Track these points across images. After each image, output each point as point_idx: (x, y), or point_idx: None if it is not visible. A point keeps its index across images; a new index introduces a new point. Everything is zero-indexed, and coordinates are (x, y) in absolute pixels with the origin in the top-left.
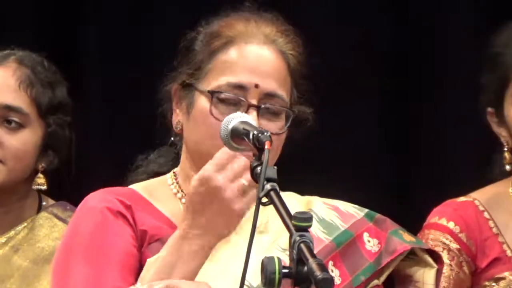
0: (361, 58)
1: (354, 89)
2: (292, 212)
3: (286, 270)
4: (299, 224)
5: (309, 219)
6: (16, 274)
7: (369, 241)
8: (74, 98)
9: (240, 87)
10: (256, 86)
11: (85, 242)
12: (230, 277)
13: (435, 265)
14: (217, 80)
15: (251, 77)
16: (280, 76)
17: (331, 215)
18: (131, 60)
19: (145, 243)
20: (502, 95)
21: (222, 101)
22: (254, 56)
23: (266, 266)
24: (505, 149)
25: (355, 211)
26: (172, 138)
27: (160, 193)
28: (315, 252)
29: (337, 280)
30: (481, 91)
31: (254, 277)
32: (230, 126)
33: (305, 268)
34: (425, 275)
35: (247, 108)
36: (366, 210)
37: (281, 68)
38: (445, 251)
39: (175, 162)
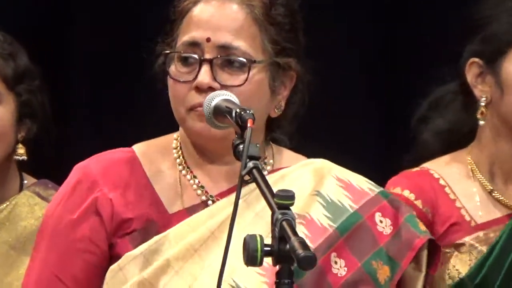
0: None
1: None
2: (300, 195)
3: (268, 248)
4: (281, 202)
5: (291, 197)
6: None
7: (381, 222)
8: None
9: (194, 44)
10: (208, 40)
11: (51, 231)
12: (214, 276)
13: (424, 269)
14: (179, 41)
15: (203, 32)
16: (237, 26)
17: (341, 195)
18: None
19: (124, 231)
20: (504, 50)
21: (182, 61)
22: (207, 12)
23: (248, 244)
24: (482, 103)
25: (369, 188)
26: None
27: (161, 162)
28: (317, 243)
29: (342, 272)
30: (471, 38)
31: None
32: (212, 104)
33: (287, 246)
34: (414, 278)
35: (200, 63)
36: (381, 187)
37: (239, 18)
38: None
39: None
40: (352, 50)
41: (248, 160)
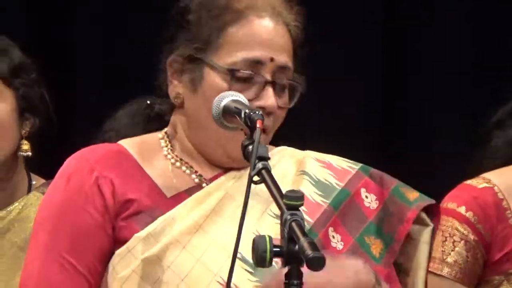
0: None
1: None
2: (287, 176)
3: (277, 249)
4: (290, 203)
5: (300, 197)
6: (8, 254)
7: (366, 197)
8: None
9: (256, 63)
10: (272, 60)
11: (52, 217)
12: (221, 249)
13: (430, 223)
14: (231, 56)
15: (267, 51)
16: (289, 48)
17: (325, 174)
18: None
19: (127, 212)
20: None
21: (238, 78)
22: (266, 30)
23: (257, 245)
24: None
25: (349, 166)
26: (148, 102)
27: (151, 153)
28: (315, 218)
29: (339, 246)
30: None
31: (246, 248)
32: (222, 104)
33: (296, 246)
34: (421, 233)
35: (264, 84)
36: (360, 164)
37: (288, 40)
38: (462, 242)
39: (148, 124)
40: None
41: (257, 161)
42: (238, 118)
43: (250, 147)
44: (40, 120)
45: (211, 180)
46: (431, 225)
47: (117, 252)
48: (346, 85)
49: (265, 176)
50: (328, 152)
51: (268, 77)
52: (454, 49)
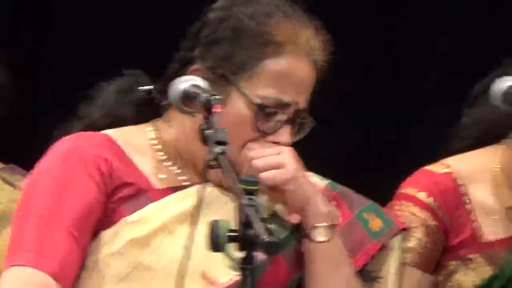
0: None
1: None
2: None
3: (233, 234)
4: (246, 187)
5: (256, 182)
6: None
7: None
8: None
9: (285, 105)
10: (296, 103)
11: (53, 190)
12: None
13: (400, 232)
14: (263, 89)
15: (296, 96)
16: (312, 88)
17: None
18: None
19: (118, 196)
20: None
21: (264, 112)
22: (302, 73)
23: (213, 229)
24: None
25: (317, 180)
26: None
27: (138, 144)
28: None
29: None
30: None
31: None
32: (181, 88)
33: (252, 231)
34: (393, 240)
35: (284, 123)
36: (329, 180)
37: (314, 79)
38: (422, 227)
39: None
40: None
41: (215, 145)
42: (197, 102)
43: (208, 131)
44: (3, 107)
45: (199, 181)
46: (402, 233)
47: (104, 232)
48: None
49: (222, 161)
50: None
51: (290, 116)
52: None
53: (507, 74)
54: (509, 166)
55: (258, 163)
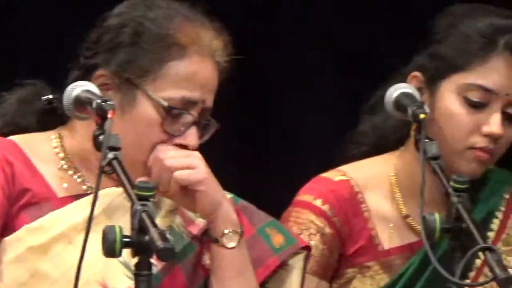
0: None
1: None
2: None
3: (128, 239)
4: (140, 193)
5: (151, 188)
6: None
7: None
8: None
9: (191, 104)
10: (203, 102)
11: None
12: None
13: (303, 250)
14: (170, 91)
15: (202, 94)
16: (216, 88)
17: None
18: None
19: (21, 203)
20: (445, 74)
21: (171, 114)
22: (206, 72)
23: (107, 235)
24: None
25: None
26: (50, 97)
27: (42, 151)
28: (192, 234)
29: None
30: (420, 50)
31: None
32: (73, 94)
33: (147, 237)
34: (294, 259)
35: (191, 124)
36: (232, 194)
37: (217, 80)
38: (318, 235)
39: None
40: None
41: (108, 151)
42: (89, 108)
43: (101, 137)
44: None
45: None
46: (304, 252)
47: (5, 239)
48: None
49: (116, 166)
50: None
51: (196, 117)
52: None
53: (400, 81)
54: (405, 174)
55: (172, 162)
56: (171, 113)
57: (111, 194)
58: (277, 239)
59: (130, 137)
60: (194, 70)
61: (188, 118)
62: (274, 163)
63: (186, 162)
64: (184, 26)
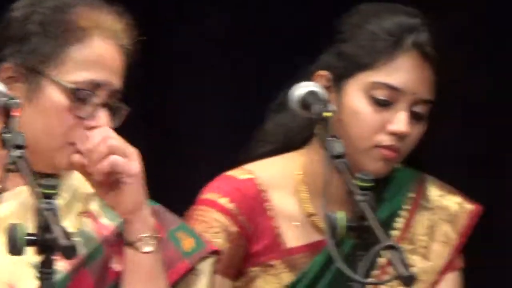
0: None
1: None
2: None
3: (31, 237)
4: (45, 191)
5: (54, 186)
6: None
7: None
8: None
9: (97, 85)
10: (109, 84)
11: None
12: None
13: (212, 255)
14: (74, 74)
15: (108, 75)
16: (123, 71)
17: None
18: None
19: None
20: (352, 73)
21: (78, 97)
22: (109, 54)
23: (10, 233)
24: None
25: None
26: None
27: None
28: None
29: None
30: (327, 48)
31: None
32: None
33: (50, 235)
34: (202, 263)
35: (99, 106)
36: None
37: (123, 63)
38: (223, 233)
39: None
40: None
41: (14, 149)
42: None
43: (7, 135)
44: None
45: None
46: (213, 257)
47: None
48: None
49: (21, 165)
50: None
51: (104, 99)
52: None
53: (306, 80)
54: (310, 173)
55: (116, 143)
56: (77, 95)
57: (23, 192)
58: (188, 243)
59: (41, 125)
60: (97, 52)
61: (95, 99)
62: (179, 156)
63: (128, 151)
64: (84, 11)
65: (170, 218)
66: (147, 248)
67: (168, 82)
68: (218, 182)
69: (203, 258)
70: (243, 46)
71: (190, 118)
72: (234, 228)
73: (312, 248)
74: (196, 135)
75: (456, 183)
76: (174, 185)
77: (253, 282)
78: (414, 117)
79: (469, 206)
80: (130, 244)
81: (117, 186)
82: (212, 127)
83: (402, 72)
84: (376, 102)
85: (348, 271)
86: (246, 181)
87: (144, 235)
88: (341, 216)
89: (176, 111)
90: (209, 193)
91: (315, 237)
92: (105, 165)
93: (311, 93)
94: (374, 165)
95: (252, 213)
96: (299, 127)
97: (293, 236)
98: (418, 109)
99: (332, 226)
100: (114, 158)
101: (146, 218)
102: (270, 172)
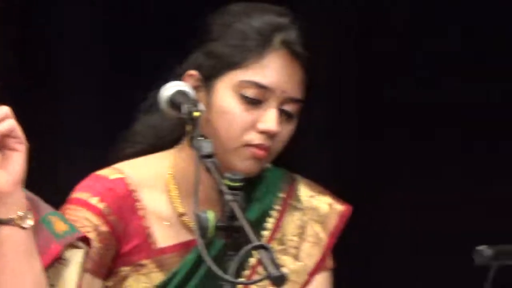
0: None
1: None
2: None
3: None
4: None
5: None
6: None
7: None
8: None
9: None
10: None
11: None
12: None
13: (84, 246)
14: None
15: None
16: None
17: None
18: None
19: None
20: (221, 72)
21: None
22: None
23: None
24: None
25: None
26: None
27: None
28: None
29: None
30: (196, 48)
31: None
32: None
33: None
34: (72, 255)
35: None
36: None
37: None
38: (94, 233)
39: None
40: None
41: None
42: None
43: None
44: None
45: None
46: (84, 248)
47: None
48: None
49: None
50: None
51: None
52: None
53: (174, 79)
54: (181, 172)
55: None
56: None
57: None
58: (60, 226)
59: None
60: None
61: None
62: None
63: (12, 122)
64: None
65: (43, 205)
66: (29, 222)
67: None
68: (88, 181)
69: (74, 246)
70: (114, 45)
71: (67, 115)
72: (104, 228)
73: (182, 247)
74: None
75: (327, 183)
76: (45, 183)
77: (124, 281)
78: (284, 116)
79: (339, 207)
80: (6, 223)
81: (6, 152)
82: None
83: (271, 71)
84: (246, 100)
85: (218, 271)
86: (117, 180)
87: (20, 213)
88: (210, 216)
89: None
90: (79, 193)
91: (186, 236)
92: (4, 125)
93: (180, 93)
94: (244, 164)
95: (123, 213)
96: (169, 127)
97: (164, 235)
98: (288, 108)
99: (202, 226)
100: (12, 121)
101: (22, 198)
102: (140, 171)
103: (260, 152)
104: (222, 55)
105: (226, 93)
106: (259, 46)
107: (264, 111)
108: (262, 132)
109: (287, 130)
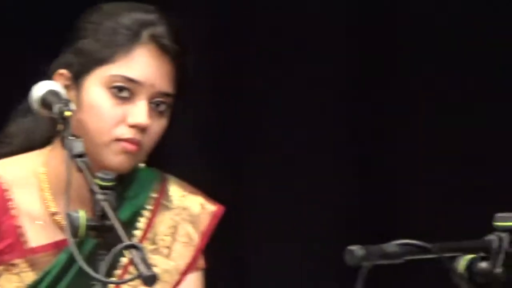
0: None
1: None
2: None
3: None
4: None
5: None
6: None
7: None
8: None
9: None
10: None
11: None
12: None
13: None
14: None
15: None
16: None
17: None
18: None
19: None
20: (90, 68)
21: None
22: None
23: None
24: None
25: None
26: None
27: None
28: None
29: None
30: (66, 47)
31: None
32: None
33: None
34: None
35: None
36: None
37: None
38: None
39: None
40: None
41: None
42: None
43: None
44: None
45: None
46: None
47: None
48: None
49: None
50: None
51: None
52: None
53: (46, 79)
54: (53, 172)
55: None
56: None
57: None
58: None
59: None
60: None
61: None
62: None
63: None
64: None
65: None
66: None
67: None
68: None
69: None
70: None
71: None
72: None
73: (55, 247)
74: None
75: (199, 182)
76: None
77: None
78: (155, 110)
79: (211, 207)
80: None
81: None
82: None
83: (140, 65)
84: (115, 95)
85: (89, 270)
86: None
87: None
88: (82, 215)
89: None
90: None
91: (59, 236)
92: None
93: (51, 93)
94: (115, 159)
95: None
96: (44, 127)
97: (36, 235)
98: (158, 102)
99: (73, 225)
100: None
101: None
102: (13, 170)
103: (131, 147)
104: (91, 52)
105: (95, 89)
106: (127, 41)
107: (134, 105)
108: (133, 126)
109: (159, 124)
